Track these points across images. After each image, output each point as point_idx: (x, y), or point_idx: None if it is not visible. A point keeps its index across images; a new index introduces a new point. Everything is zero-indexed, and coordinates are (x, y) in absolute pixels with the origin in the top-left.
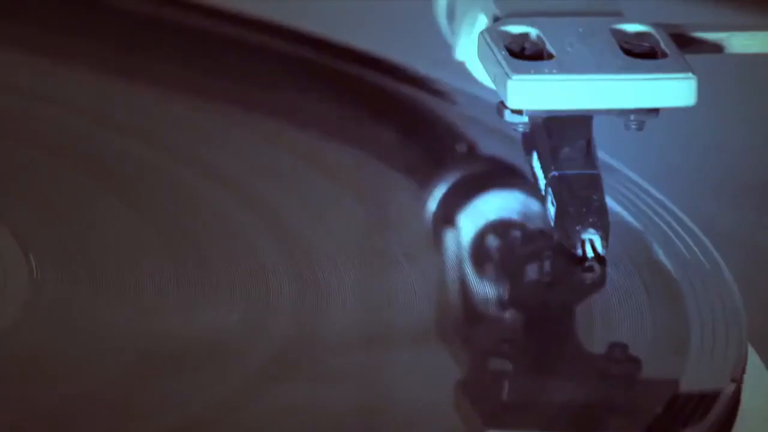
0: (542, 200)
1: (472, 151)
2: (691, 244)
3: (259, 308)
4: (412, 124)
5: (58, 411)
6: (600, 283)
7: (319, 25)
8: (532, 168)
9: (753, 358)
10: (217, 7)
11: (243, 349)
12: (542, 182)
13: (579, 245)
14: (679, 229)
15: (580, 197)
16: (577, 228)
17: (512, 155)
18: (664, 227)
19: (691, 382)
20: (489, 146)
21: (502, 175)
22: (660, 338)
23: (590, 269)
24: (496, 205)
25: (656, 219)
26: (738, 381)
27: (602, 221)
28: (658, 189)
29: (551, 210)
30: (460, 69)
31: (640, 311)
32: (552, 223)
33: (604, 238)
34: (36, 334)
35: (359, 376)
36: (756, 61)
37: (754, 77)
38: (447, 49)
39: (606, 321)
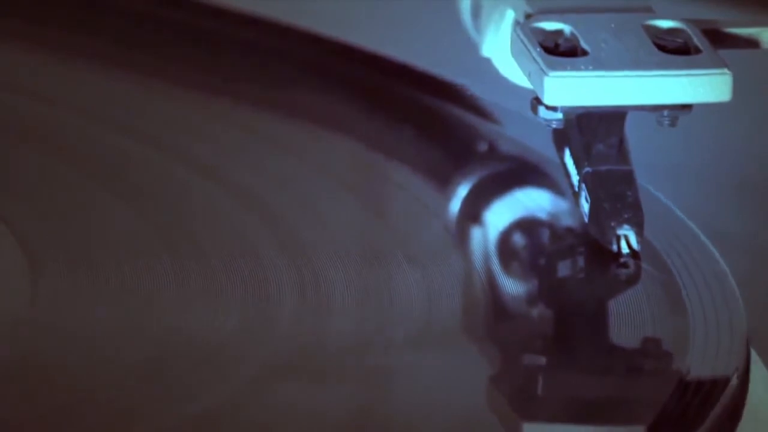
0: (575, 197)
1: (467, 152)
2: (691, 243)
3: (259, 307)
4: (413, 124)
5: (58, 411)
6: (595, 281)
7: (319, 24)
8: (564, 164)
9: (753, 358)
10: (220, 7)
11: (243, 348)
12: (575, 178)
13: (614, 241)
14: (679, 229)
15: (615, 193)
16: (612, 224)
17: (509, 155)
18: (664, 227)
19: (691, 382)
20: (484, 147)
21: (499, 176)
22: (661, 338)
23: (625, 265)
24: (493, 205)
25: (656, 219)
26: (738, 381)
27: (637, 217)
28: (658, 188)
29: (585, 206)
30: (458, 69)
31: (640, 310)
32: (586, 219)
33: (639, 234)
34: (36, 334)
35: (359, 376)
36: (755, 58)
37: (755, 75)
38: (446, 48)
39: (606, 320)
